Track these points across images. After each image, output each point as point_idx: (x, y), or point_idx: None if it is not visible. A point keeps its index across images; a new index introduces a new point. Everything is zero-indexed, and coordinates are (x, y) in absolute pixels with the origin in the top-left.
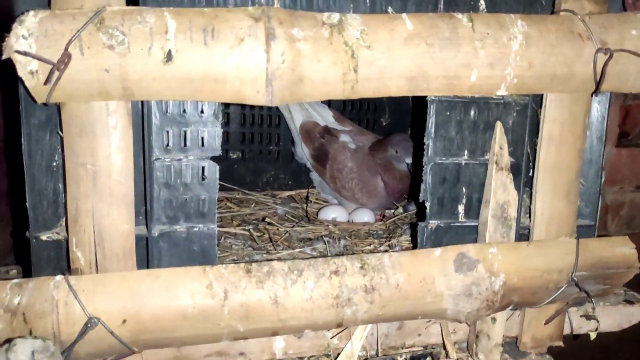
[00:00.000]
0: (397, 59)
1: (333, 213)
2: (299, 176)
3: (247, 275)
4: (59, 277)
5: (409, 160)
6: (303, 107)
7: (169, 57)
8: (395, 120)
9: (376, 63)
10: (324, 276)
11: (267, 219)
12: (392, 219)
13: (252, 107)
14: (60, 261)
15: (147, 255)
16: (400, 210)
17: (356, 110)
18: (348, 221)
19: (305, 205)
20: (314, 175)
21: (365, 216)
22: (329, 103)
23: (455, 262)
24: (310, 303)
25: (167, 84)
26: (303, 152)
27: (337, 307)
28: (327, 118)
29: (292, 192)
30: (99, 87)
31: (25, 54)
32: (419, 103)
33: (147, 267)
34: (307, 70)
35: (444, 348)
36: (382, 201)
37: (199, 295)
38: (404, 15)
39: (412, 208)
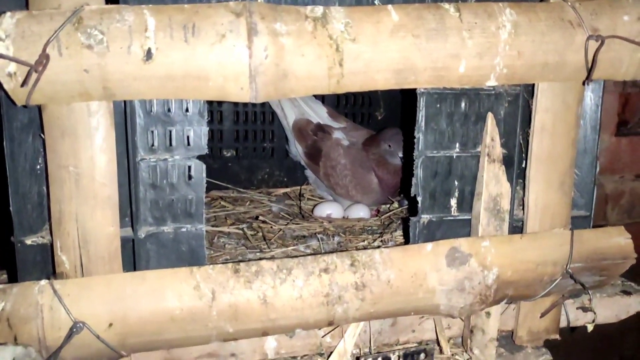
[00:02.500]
0: (383, 52)
1: (328, 209)
2: (294, 173)
3: (235, 275)
4: (43, 282)
5: (402, 154)
6: (295, 104)
7: (148, 55)
8: (390, 114)
9: (362, 56)
10: (313, 274)
11: (261, 217)
12: (388, 214)
13: (244, 104)
14: (47, 265)
15: (134, 257)
16: (396, 205)
17: (350, 105)
18: (343, 217)
19: (299, 202)
20: (309, 173)
21: (360, 212)
22: (323, 99)
23: (447, 256)
24: (300, 302)
25: (148, 83)
26: (297, 150)
27: (327, 305)
28: (320, 114)
29: (287, 189)
30: (79, 88)
31: (0, 56)
32: (409, 96)
33: (135, 270)
34: (292, 65)
35: (438, 344)
36: (377, 197)
37: (186, 296)
38: (389, 6)
39: (408, 203)
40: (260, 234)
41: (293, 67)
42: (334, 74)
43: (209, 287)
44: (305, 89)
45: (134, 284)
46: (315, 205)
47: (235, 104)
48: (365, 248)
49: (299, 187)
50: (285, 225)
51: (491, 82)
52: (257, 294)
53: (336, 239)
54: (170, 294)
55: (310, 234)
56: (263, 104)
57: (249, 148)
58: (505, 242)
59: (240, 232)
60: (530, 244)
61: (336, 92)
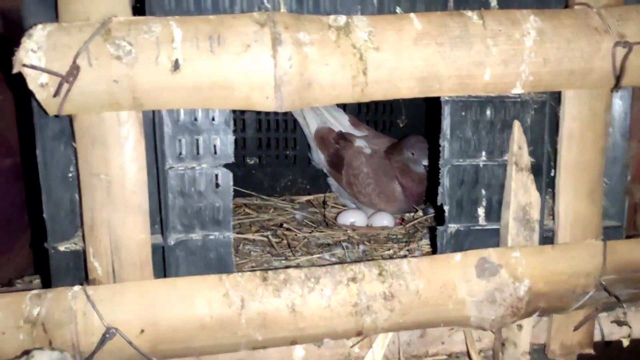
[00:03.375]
0: (406, 60)
1: (352, 217)
2: (317, 180)
3: (264, 284)
4: (76, 288)
5: (425, 162)
6: (317, 113)
7: (176, 66)
8: (412, 121)
9: (385, 65)
10: (341, 283)
11: (285, 225)
12: (412, 223)
13: (267, 112)
14: (79, 271)
15: (164, 264)
16: (420, 213)
17: (372, 113)
18: (367, 225)
19: (323, 210)
20: (332, 181)
21: (384, 220)
22: (344, 107)
23: (477, 267)
24: (328, 311)
25: (175, 93)
26: (319, 158)
27: (356, 315)
28: (343, 123)
29: (311, 197)
30: (109, 98)
31: (33, 67)
32: (432, 103)
33: (165, 276)
34: (316, 74)
35: (469, 356)
36: (401, 205)
37: (216, 304)
38: (412, 15)
39: (432, 211)
40: (285, 241)
41: (317, 76)
42: (358, 82)
43: (238, 294)
44: (329, 98)
45: (165, 290)
46: (338, 213)
47: (258, 112)
48: (391, 257)
49: (322, 195)
50: (310, 232)
51: (517, 90)
52: (285, 303)
53: (361, 247)
54: (200, 301)
55: (335, 242)
56: (285, 112)
57: (272, 156)
58: (536, 253)
59: (265, 239)
60: (562, 255)
61: (360, 100)
